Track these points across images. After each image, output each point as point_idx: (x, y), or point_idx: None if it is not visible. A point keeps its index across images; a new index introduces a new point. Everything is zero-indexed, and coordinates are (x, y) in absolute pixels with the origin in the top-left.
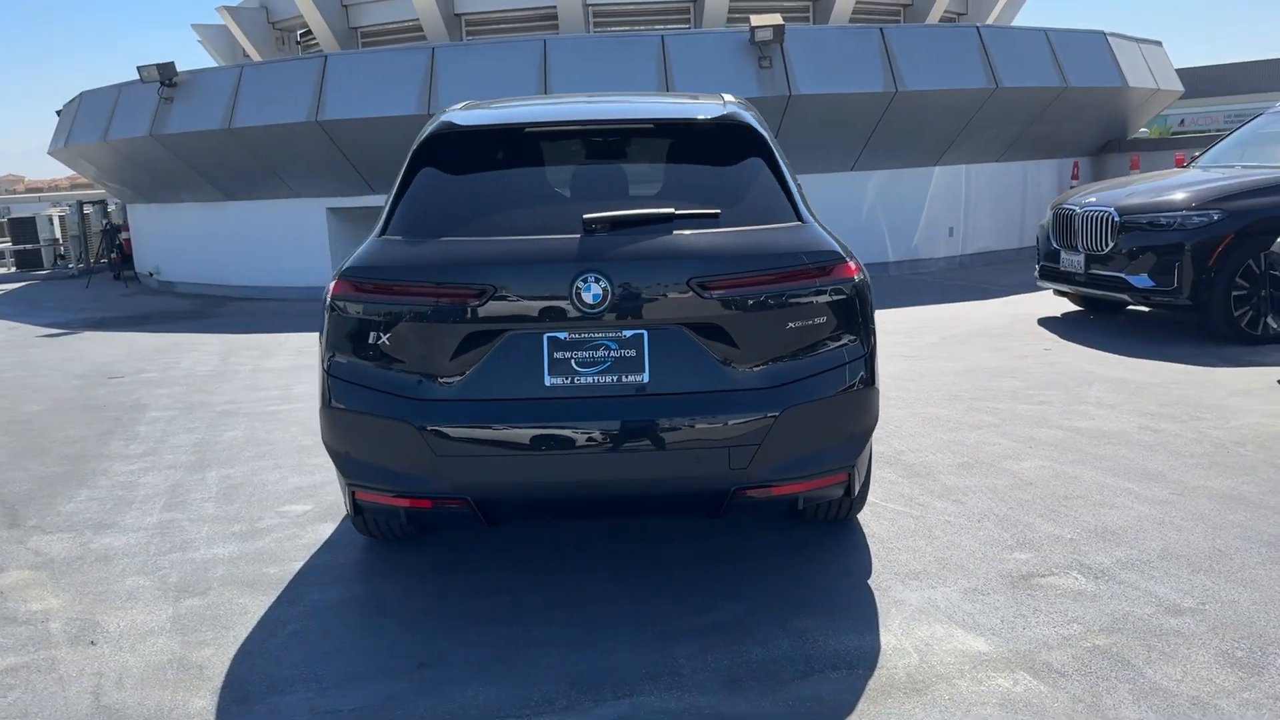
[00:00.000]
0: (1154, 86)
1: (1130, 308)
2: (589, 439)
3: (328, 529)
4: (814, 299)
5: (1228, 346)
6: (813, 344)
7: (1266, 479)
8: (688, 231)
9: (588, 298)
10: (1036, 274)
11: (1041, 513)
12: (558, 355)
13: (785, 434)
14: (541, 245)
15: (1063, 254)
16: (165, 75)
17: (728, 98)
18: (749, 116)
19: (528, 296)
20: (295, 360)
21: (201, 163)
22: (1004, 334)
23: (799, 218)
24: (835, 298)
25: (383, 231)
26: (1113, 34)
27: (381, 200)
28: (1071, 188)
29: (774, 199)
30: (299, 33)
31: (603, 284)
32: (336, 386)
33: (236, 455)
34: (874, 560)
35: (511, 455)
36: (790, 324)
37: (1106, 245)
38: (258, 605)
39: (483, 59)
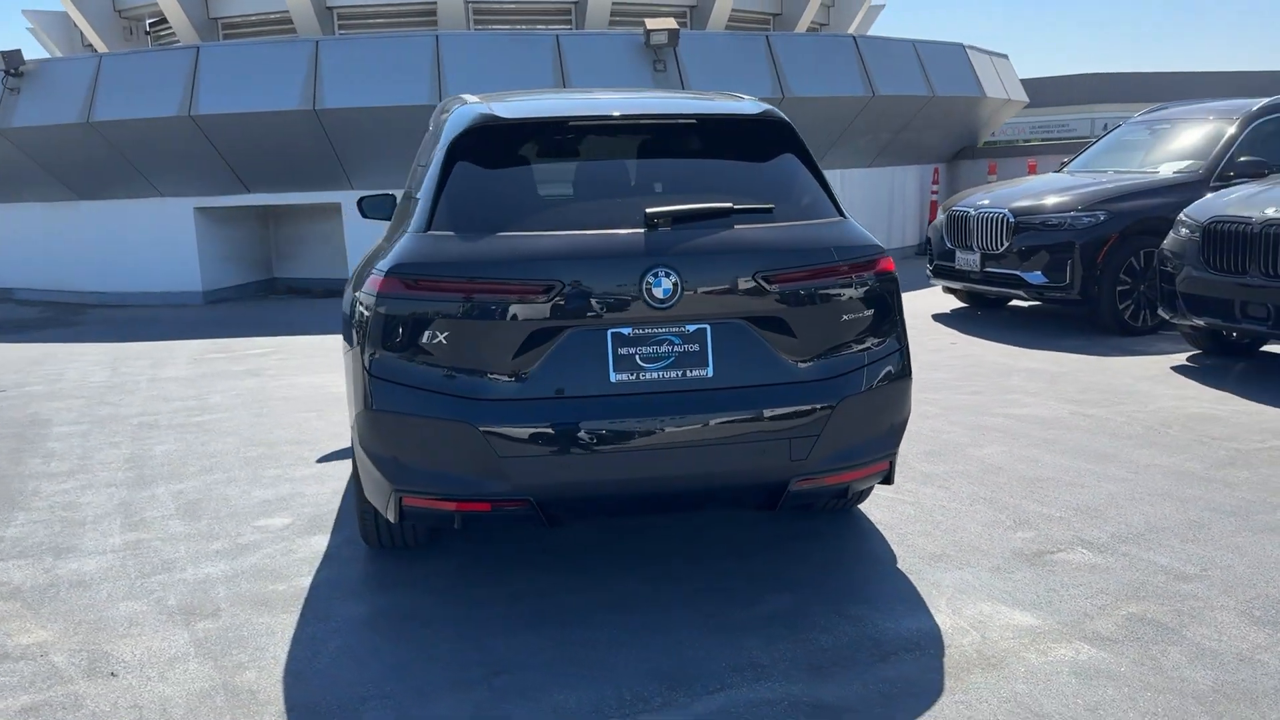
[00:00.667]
0: (1005, 97)
1: (1013, 303)
2: (656, 435)
3: (320, 541)
4: (862, 292)
5: (1113, 337)
6: (860, 335)
7: (1204, 455)
8: (748, 226)
9: (658, 292)
10: (930, 272)
11: (1023, 495)
12: (622, 351)
13: (841, 424)
14: (609, 240)
15: (958, 253)
16: (11, 64)
17: (746, 98)
18: (784, 115)
19: (595, 292)
20: (196, 369)
21: (52, 160)
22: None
23: (840, 213)
24: (879, 291)
25: (427, 226)
26: (970, 46)
27: (255, 200)
28: (940, 191)
29: (816, 195)
30: (149, 22)
31: (672, 278)
32: (382, 389)
33: (179, 470)
34: (892, 546)
35: (577, 454)
36: (843, 316)
37: (1002, 245)
38: (282, 624)
39: (371, 53)
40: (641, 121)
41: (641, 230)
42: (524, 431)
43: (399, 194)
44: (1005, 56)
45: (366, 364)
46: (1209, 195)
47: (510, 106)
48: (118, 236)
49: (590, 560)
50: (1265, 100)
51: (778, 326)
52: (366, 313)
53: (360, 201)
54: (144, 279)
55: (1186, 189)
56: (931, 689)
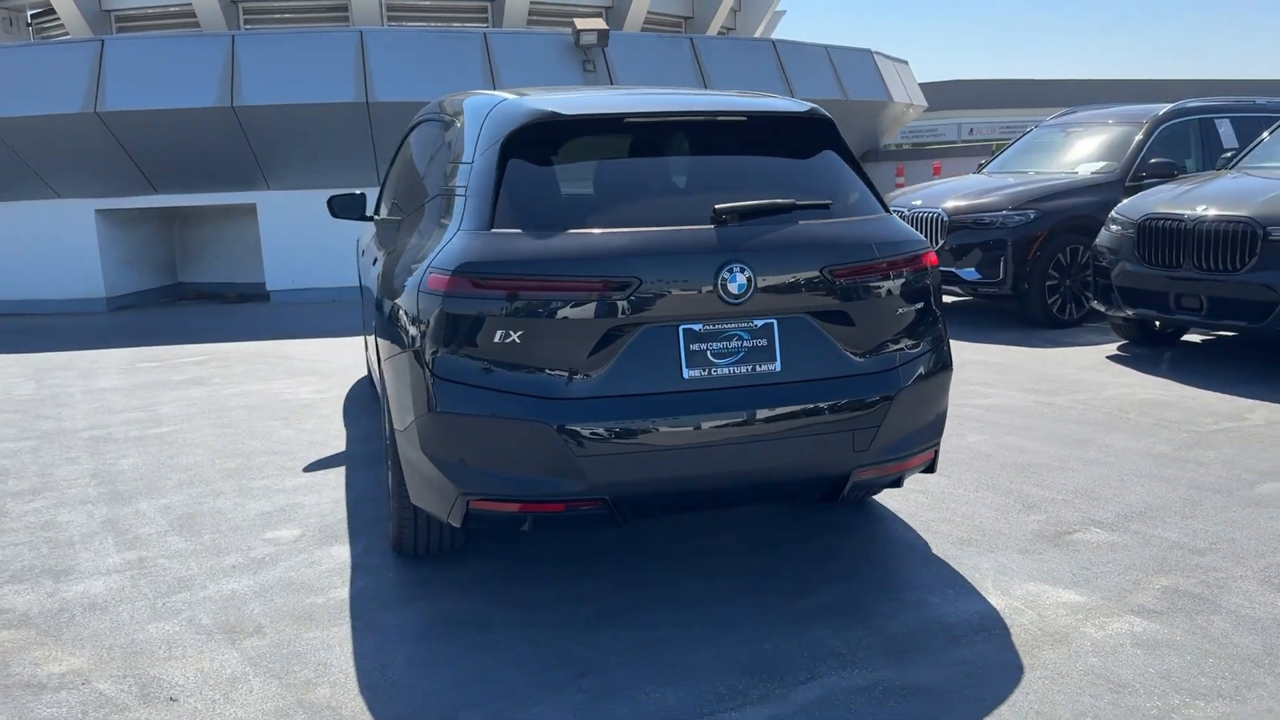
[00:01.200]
0: (909, 101)
1: (945, 299)
2: (729, 430)
3: (340, 552)
4: (913, 285)
5: (1043, 330)
6: (911, 327)
7: (1169, 438)
8: (811, 221)
9: (733, 288)
10: None
11: (1019, 480)
12: (694, 347)
13: (898, 415)
14: (685, 236)
15: None
16: None
17: (778, 96)
18: (828, 113)
19: (671, 288)
20: (131, 379)
21: None
22: None
23: (885, 209)
24: (926, 284)
25: (489, 224)
26: (877, 52)
27: (163, 201)
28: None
29: (862, 191)
30: (31, 14)
31: (746, 273)
32: (449, 390)
33: (156, 485)
34: (920, 534)
35: (652, 451)
36: (897, 309)
37: (936, 243)
38: (334, 637)
39: (291, 49)
40: (696, 118)
41: (712, 226)
42: (601, 430)
43: (368, 191)
44: (905, 63)
45: (429, 365)
46: (1138, 195)
47: (561, 101)
48: (11, 240)
49: (631, 559)
50: (1169, 106)
51: (839, 320)
52: (427, 313)
53: (331, 201)
54: (41, 285)
55: (1105, 189)
56: (1011, 667)
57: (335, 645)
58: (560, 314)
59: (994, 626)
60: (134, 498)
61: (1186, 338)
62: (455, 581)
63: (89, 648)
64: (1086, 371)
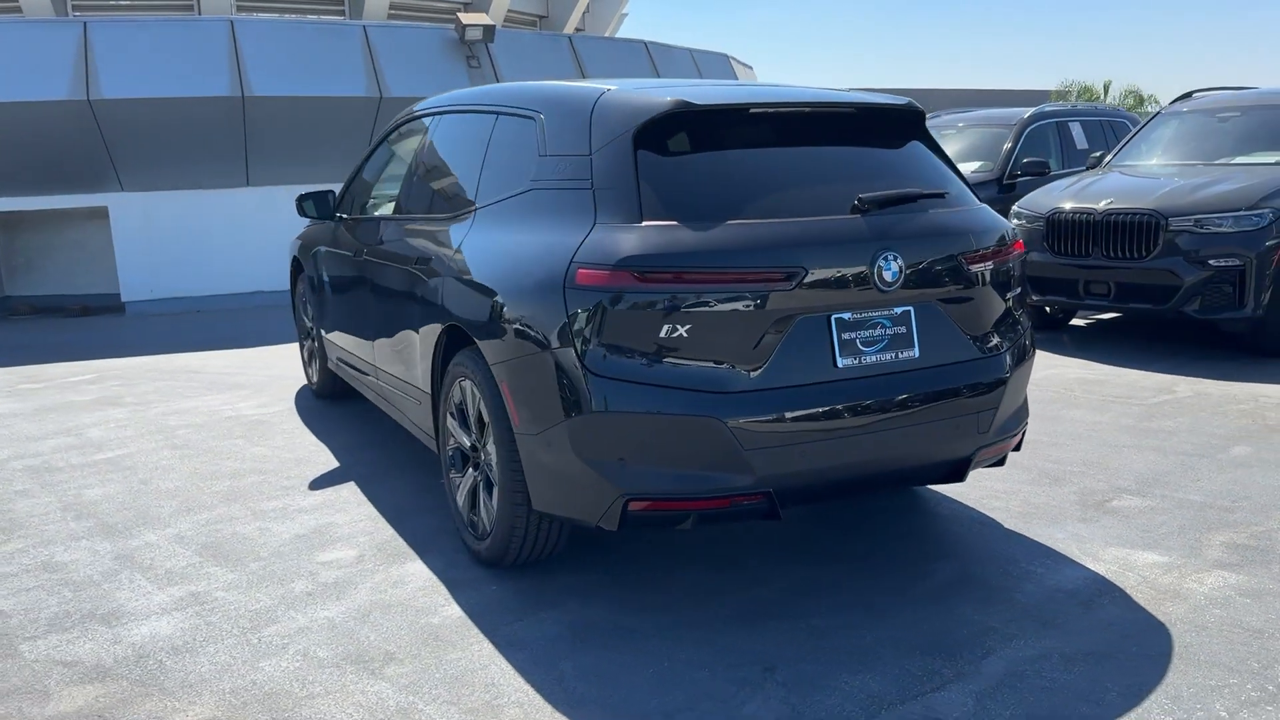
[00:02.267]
0: None
1: None
2: (880, 417)
3: (417, 568)
4: (1013, 271)
5: None
6: (1011, 311)
7: (1126, 412)
8: (938, 210)
9: (887, 275)
10: None
11: (1027, 456)
12: (845, 336)
13: (1009, 396)
14: (842, 225)
15: None
16: None
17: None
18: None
19: (828, 277)
20: (24, 403)
21: None
22: None
23: (978, 200)
24: (1019, 270)
25: (637, 217)
26: (732, 58)
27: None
28: None
29: (958, 182)
30: None
31: (899, 261)
32: (609, 388)
33: (148, 514)
34: (980, 509)
35: (811, 441)
36: (1005, 294)
37: None
38: (479, 656)
39: (153, 39)
40: (815, 110)
41: (858, 215)
42: (767, 423)
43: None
44: (750, 68)
45: (584, 363)
46: (1037, 191)
47: (684, 91)
48: None
49: (721, 554)
50: (1033, 109)
51: (961, 305)
52: (578, 309)
53: (302, 199)
54: None
55: (984, 186)
56: (1152, 624)
57: (488, 664)
58: (728, 306)
59: (1109, 589)
60: (132, 529)
61: (1073, 321)
62: (567, 590)
63: (207, 695)
64: None
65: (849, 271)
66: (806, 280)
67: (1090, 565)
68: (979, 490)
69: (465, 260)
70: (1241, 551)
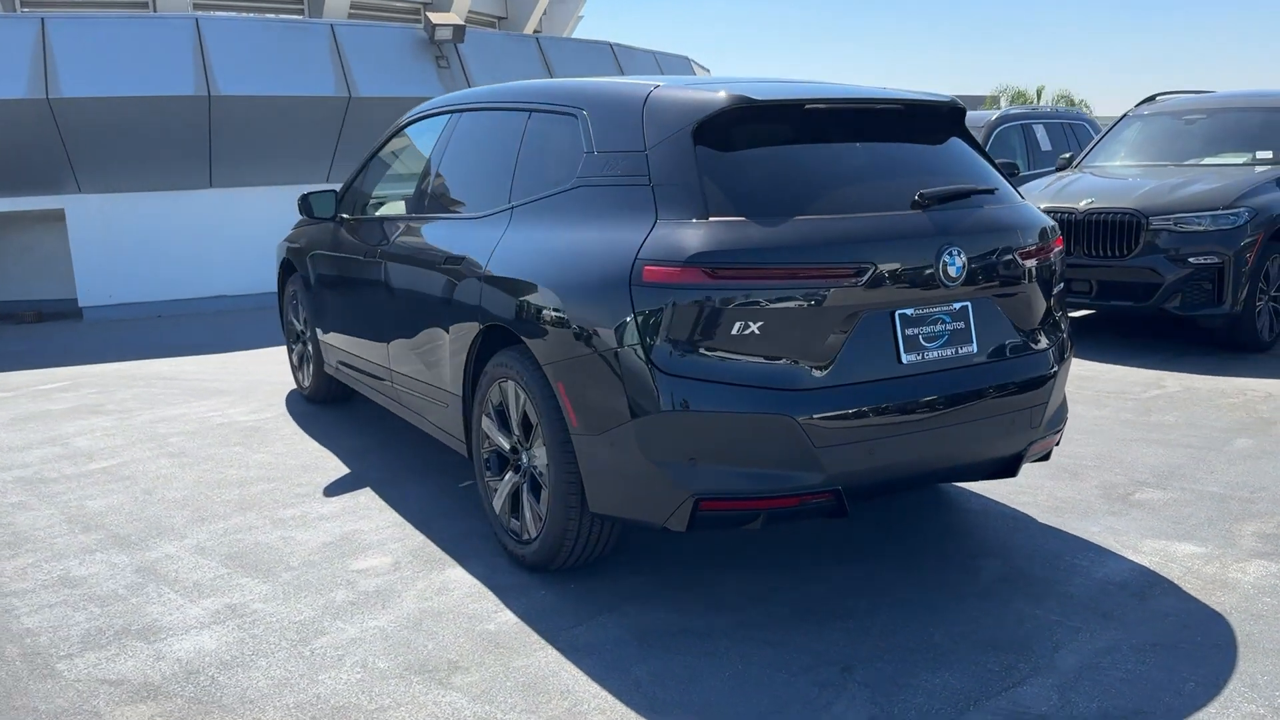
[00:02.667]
0: None
1: None
2: (942, 412)
3: (458, 574)
4: (1056, 266)
5: None
6: (1054, 307)
7: (1123, 407)
8: (991, 205)
9: (952, 270)
10: None
11: None
12: (909, 332)
13: (1056, 390)
14: (909, 220)
15: None
16: None
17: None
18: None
19: (895, 272)
20: (12, 409)
21: None
22: None
23: (1020, 196)
24: (1060, 266)
25: (704, 213)
26: (693, 60)
27: None
28: None
29: (1000, 178)
30: None
31: (962, 256)
32: (679, 387)
33: (161, 525)
34: (1010, 504)
35: (878, 438)
36: (1052, 289)
37: None
38: (547, 662)
39: (115, 37)
40: (867, 106)
41: (920, 210)
42: (838, 420)
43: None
44: (708, 70)
45: (652, 362)
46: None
47: (741, 86)
48: None
49: (762, 557)
50: (999, 112)
51: (1014, 300)
52: (646, 307)
53: (305, 198)
54: None
55: None
56: (1208, 614)
57: (557, 670)
58: (800, 302)
59: (1158, 581)
60: (148, 541)
61: None
62: (619, 594)
63: (271, 711)
64: None
65: (915, 267)
66: (874, 276)
67: (1133, 558)
68: (1002, 486)
69: (506, 258)
70: (1274, 541)
